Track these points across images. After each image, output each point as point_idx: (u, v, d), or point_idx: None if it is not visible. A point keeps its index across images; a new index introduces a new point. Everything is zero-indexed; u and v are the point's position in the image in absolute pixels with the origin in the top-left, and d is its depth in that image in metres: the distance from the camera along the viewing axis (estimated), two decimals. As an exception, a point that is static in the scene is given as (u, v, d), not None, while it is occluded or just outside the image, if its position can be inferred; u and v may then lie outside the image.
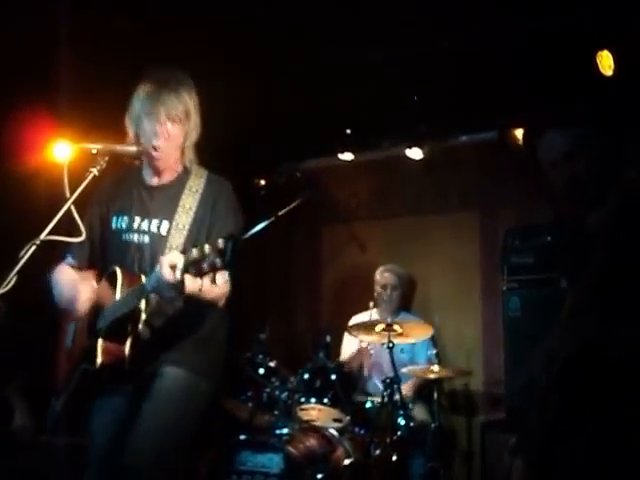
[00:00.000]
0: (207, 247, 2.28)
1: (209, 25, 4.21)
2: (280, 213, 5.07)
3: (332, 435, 4.47)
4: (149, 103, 2.73)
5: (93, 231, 2.88)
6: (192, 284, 2.43)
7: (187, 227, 2.76)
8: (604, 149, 2.38)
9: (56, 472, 3.90)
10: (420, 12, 4.04)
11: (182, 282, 2.41)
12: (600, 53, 3.95)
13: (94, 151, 2.62)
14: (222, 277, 2.53)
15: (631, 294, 2.16)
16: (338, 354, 5.39)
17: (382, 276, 5.41)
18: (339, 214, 6.20)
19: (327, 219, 6.28)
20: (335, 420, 4.54)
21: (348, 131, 5.56)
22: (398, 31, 4.25)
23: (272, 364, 4.59)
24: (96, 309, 2.74)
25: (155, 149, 2.76)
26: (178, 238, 2.74)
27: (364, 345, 5.17)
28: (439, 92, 4.85)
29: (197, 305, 2.67)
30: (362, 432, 4.57)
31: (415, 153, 5.51)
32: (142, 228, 2.81)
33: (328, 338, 4.81)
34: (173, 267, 2.39)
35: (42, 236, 2.38)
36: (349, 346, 5.40)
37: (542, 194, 4.98)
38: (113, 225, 2.86)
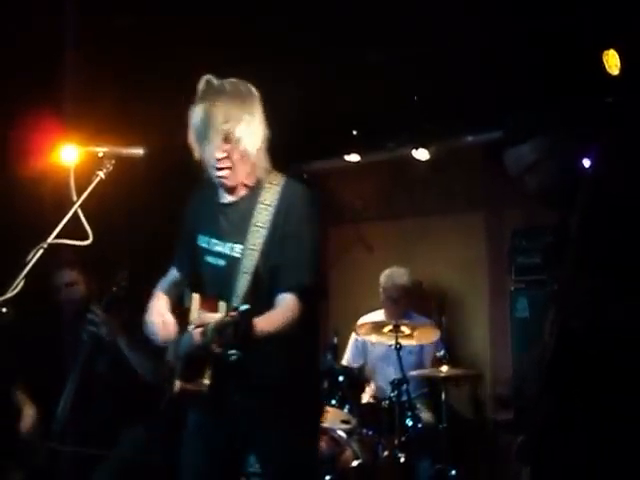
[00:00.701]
0: (228, 317, 2.22)
1: (211, 25, 4.21)
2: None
3: (340, 436, 4.47)
4: (202, 129, 2.54)
5: (189, 244, 2.79)
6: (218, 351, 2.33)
7: (259, 247, 2.58)
8: (567, 154, 2.43)
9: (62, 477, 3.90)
10: (425, 11, 4.03)
11: (209, 347, 2.33)
12: (606, 52, 3.94)
13: (100, 154, 2.62)
14: (286, 300, 2.51)
15: (605, 284, 2.21)
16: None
17: (386, 281, 5.39)
18: (346, 215, 6.20)
19: (334, 220, 6.28)
20: (343, 421, 4.53)
21: (354, 132, 5.56)
22: (403, 31, 4.24)
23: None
24: (178, 334, 2.62)
25: (219, 170, 2.60)
26: (251, 261, 2.57)
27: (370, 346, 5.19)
28: (445, 92, 4.85)
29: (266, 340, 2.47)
30: (370, 433, 4.57)
31: (422, 154, 5.51)
32: (217, 250, 2.69)
33: (335, 339, 4.81)
34: (203, 331, 2.33)
35: (49, 240, 2.38)
36: (355, 348, 5.40)
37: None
38: (199, 242, 2.74)
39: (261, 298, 2.55)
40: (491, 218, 5.63)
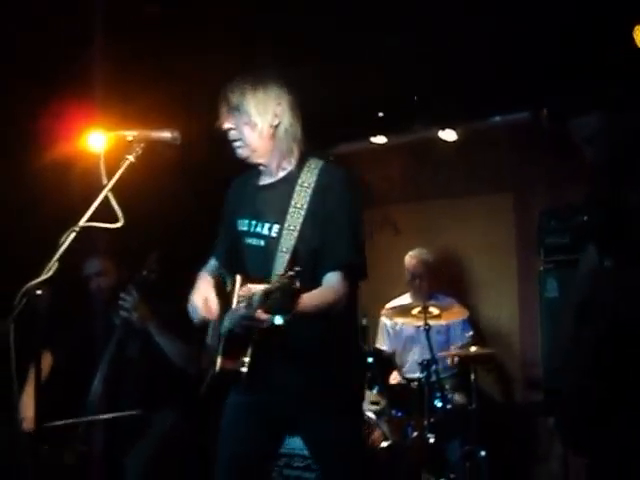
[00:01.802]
0: (276, 282, 2.25)
1: (239, 11, 4.21)
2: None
3: (369, 418, 4.49)
4: (219, 105, 2.74)
5: (228, 232, 2.88)
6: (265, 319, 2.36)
7: (298, 227, 2.64)
8: (625, 130, 2.39)
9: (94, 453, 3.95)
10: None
11: (253, 316, 2.37)
12: (638, 27, 3.88)
13: (130, 138, 2.63)
14: (334, 281, 2.55)
15: None
16: (375, 337, 5.41)
17: (410, 263, 5.39)
18: (372, 197, 6.18)
19: (360, 202, 6.26)
20: (372, 403, 4.56)
21: (380, 114, 5.54)
22: (431, 12, 4.21)
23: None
24: (223, 314, 2.70)
25: (232, 142, 2.74)
26: (289, 240, 2.63)
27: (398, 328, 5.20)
28: (472, 72, 4.81)
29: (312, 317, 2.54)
30: (399, 415, 4.59)
31: (448, 135, 5.48)
32: (257, 231, 2.76)
33: (364, 321, 4.82)
34: (250, 301, 2.37)
35: (81, 223, 2.40)
36: (385, 332, 5.42)
37: (576, 174, 4.94)
38: (238, 228, 2.82)
39: (300, 278, 2.55)
40: (519, 199, 5.59)
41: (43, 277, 2.21)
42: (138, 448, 3.86)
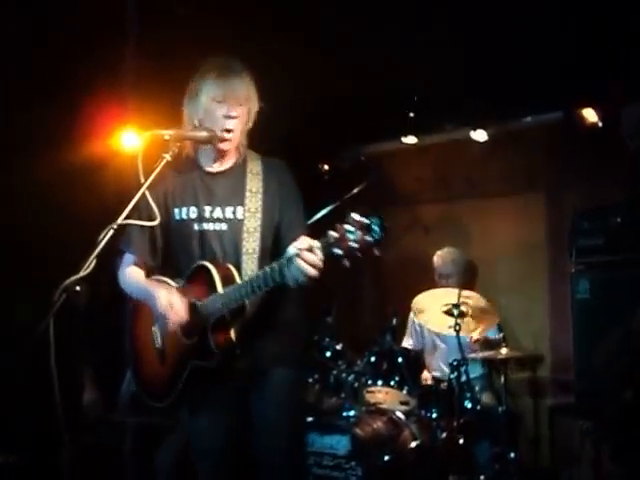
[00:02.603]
0: (347, 225, 2.28)
1: (271, 10, 4.23)
2: (345, 197, 5.09)
3: (399, 418, 4.49)
4: (219, 88, 2.75)
5: (152, 227, 2.82)
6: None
7: (260, 210, 2.81)
8: None
9: (125, 449, 3.99)
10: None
11: (322, 265, 2.41)
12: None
13: (167, 137, 2.66)
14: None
15: None
16: (404, 335, 5.40)
17: (438, 262, 5.38)
18: (403, 197, 6.18)
19: (391, 202, 6.25)
20: (402, 403, 4.55)
21: (411, 114, 5.53)
22: (461, 9, 4.20)
23: (338, 347, 4.63)
24: (191, 306, 2.72)
25: (228, 132, 2.78)
26: (254, 221, 2.80)
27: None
28: (503, 72, 4.79)
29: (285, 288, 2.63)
30: (429, 415, 4.57)
31: (479, 135, 5.46)
32: (216, 216, 2.82)
33: (394, 321, 4.82)
34: (312, 250, 2.40)
35: (119, 220, 2.43)
36: (413, 330, 5.41)
37: (609, 175, 4.90)
38: (177, 217, 2.83)
39: (266, 255, 2.79)
40: (550, 199, 5.55)
41: (82, 274, 2.24)
42: (168, 441, 3.89)
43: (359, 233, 2.26)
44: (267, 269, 2.56)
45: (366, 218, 2.27)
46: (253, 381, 2.82)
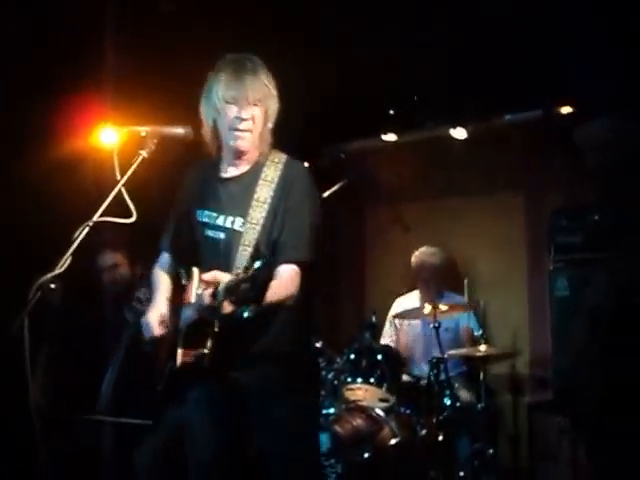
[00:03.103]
0: (242, 273, 2.27)
1: (254, 7, 4.22)
2: (324, 195, 5.08)
3: (378, 415, 4.49)
4: (230, 88, 2.65)
5: (182, 224, 2.88)
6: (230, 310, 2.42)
7: (261, 222, 2.66)
8: (631, 137, 2.40)
9: (104, 449, 3.97)
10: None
11: (219, 308, 2.41)
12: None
13: (143, 133, 2.65)
14: (288, 272, 2.56)
15: None
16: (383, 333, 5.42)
17: (414, 262, 5.40)
18: (383, 195, 6.19)
19: (371, 200, 6.27)
20: (381, 400, 4.55)
21: (391, 112, 5.54)
22: (443, 9, 4.21)
23: (318, 345, 4.62)
24: (180, 307, 2.73)
25: (240, 131, 2.68)
26: (252, 234, 2.65)
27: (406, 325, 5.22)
28: (483, 70, 4.80)
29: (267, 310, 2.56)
30: (408, 412, 4.58)
31: (459, 133, 5.47)
32: (217, 224, 2.75)
33: (374, 318, 4.83)
34: (215, 290, 2.38)
35: (94, 218, 2.42)
36: (392, 327, 5.43)
37: (588, 173, 4.93)
38: (198, 218, 2.80)
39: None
40: (530, 197, 5.57)
41: (57, 271, 2.23)
42: (148, 442, 3.86)
43: (244, 287, 2.27)
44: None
45: (255, 270, 2.24)
46: (253, 400, 2.72)
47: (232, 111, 2.66)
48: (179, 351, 2.62)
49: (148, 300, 3.85)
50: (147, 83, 4.22)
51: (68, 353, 4.08)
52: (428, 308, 4.72)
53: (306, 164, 2.85)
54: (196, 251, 2.79)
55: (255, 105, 2.66)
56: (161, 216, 3.40)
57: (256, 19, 4.25)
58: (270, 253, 2.61)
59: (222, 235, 2.73)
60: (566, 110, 4.74)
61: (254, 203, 2.68)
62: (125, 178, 2.55)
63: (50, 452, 2.39)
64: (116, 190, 2.52)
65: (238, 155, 2.76)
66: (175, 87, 4.25)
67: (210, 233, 2.76)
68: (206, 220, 2.78)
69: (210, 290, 2.42)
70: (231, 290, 2.31)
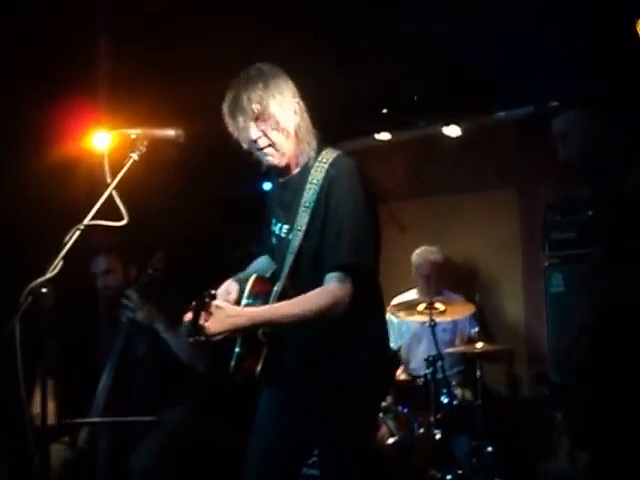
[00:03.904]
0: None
1: (243, 8, 4.21)
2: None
3: (375, 414, 4.48)
4: (233, 118, 2.60)
5: (266, 229, 2.86)
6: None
7: (304, 227, 2.57)
8: (595, 127, 2.45)
9: (99, 452, 3.95)
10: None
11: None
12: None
13: (133, 136, 2.64)
14: (331, 283, 2.47)
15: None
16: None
17: (417, 262, 5.40)
18: (377, 194, 6.16)
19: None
20: (378, 399, 4.55)
21: (384, 111, 5.53)
22: (434, 7, 4.20)
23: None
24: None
25: (262, 149, 2.62)
26: (296, 241, 2.58)
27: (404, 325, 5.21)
28: (476, 68, 4.80)
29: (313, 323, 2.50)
30: (405, 411, 4.59)
31: (452, 131, 5.48)
32: (274, 230, 2.75)
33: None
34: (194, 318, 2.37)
35: (86, 221, 2.41)
36: (390, 328, 5.42)
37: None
38: (270, 227, 2.82)
39: (304, 279, 2.54)
40: (524, 194, 5.58)
41: (48, 275, 2.22)
42: (144, 444, 3.86)
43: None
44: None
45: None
46: (317, 422, 2.63)
47: (245, 135, 2.60)
48: (234, 355, 2.56)
49: (136, 300, 3.86)
50: (138, 86, 4.20)
51: (62, 358, 4.06)
52: (423, 306, 4.72)
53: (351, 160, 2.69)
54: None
55: (260, 122, 2.57)
56: (153, 218, 3.40)
57: (248, 19, 4.24)
58: (312, 261, 2.55)
59: (277, 242, 2.73)
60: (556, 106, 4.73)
61: (301, 208, 2.58)
62: (116, 181, 2.54)
63: (45, 457, 2.37)
64: (107, 193, 2.51)
65: (280, 166, 2.68)
66: (167, 89, 4.26)
67: (272, 239, 2.78)
68: (272, 227, 2.78)
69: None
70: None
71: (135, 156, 2.62)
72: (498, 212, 5.64)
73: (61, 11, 4.03)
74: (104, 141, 3.74)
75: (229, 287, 2.70)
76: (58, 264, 2.25)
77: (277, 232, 2.72)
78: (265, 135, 2.58)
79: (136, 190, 3.02)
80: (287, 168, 2.69)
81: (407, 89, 5.11)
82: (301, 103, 2.67)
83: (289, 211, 2.65)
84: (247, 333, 2.51)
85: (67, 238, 2.34)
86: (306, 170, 2.63)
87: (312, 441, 2.69)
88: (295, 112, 2.62)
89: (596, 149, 2.45)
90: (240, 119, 2.56)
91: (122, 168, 2.60)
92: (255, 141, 2.59)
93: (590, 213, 4.43)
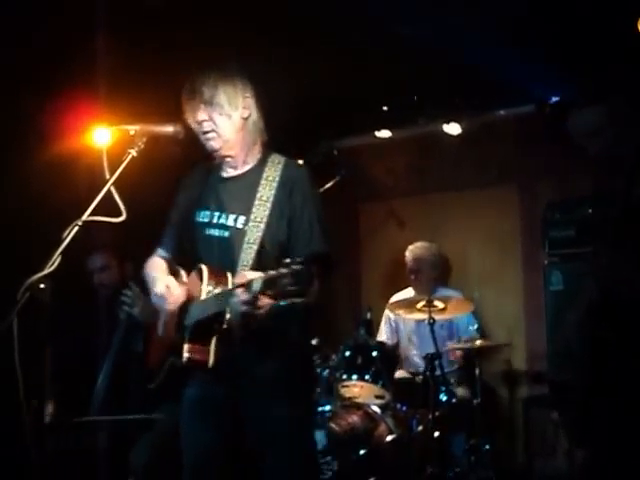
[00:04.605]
0: (283, 269, 2.28)
1: (241, 6, 4.20)
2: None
3: (374, 412, 4.49)
4: (185, 96, 2.75)
5: (181, 223, 2.92)
6: (267, 303, 2.45)
7: (265, 220, 2.71)
8: (630, 122, 2.40)
9: (98, 448, 3.96)
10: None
11: (255, 302, 2.43)
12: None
13: (132, 132, 2.64)
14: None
15: None
16: (378, 330, 5.41)
17: (408, 258, 5.40)
18: (377, 191, 6.18)
19: (365, 196, 6.27)
20: (377, 397, 4.55)
21: (385, 108, 5.53)
22: (435, 4, 4.20)
23: (313, 342, 4.61)
24: (184, 304, 2.75)
25: (204, 134, 2.76)
26: (256, 232, 2.70)
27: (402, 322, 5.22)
28: (476, 65, 4.79)
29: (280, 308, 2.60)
30: (404, 408, 4.59)
31: (453, 128, 5.47)
32: (221, 222, 2.79)
33: (369, 315, 4.83)
34: (247, 287, 2.40)
35: (84, 217, 2.41)
36: (388, 325, 5.42)
37: (581, 166, 4.93)
38: (197, 219, 2.85)
39: (265, 269, 2.58)
40: (524, 191, 5.58)
41: (46, 271, 2.22)
42: (143, 440, 3.86)
43: (285, 281, 2.28)
44: (219, 294, 2.60)
45: (297, 265, 2.27)
46: (249, 407, 2.73)
47: (193, 117, 2.75)
48: (185, 347, 2.62)
49: (136, 293, 3.86)
50: (138, 82, 4.20)
51: (60, 355, 4.06)
52: (421, 303, 4.72)
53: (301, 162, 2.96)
54: (196, 250, 2.83)
55: (206, 105, 2.72)
56: (151, 215, 3.40)
57: (247, 15, 4.24)
58: (277, 252, 2.67)
59: (226, 234, 2.78)
60: (558, 103, 4.74)
61: (257, 202, 2.73)
62: (114, 177, 2.54)
63: (43, 453, 2.37)
64: (105, 189, 2.51)
65: (222, 155, 2.82)
66: (166, 85, 4.25)
67: (213, 232, 2.80)
68: (206, 220, 2.82)
69: (242, 287, 2.44)
70: (269, 284, 2.33)
71: (134, 152, 2.62)
72: (498, 210, 5.64)
73: (61, 8, 4.03)
74: (103, 137, 3.74)
75: (167, 280, 2.77)
76: (56, 259, 2.25)
77: (225, 222, 2.78)
78: (211, 119, 2.72)
79: (134, 186, 3.03)
80: (233, 162, 2.84)
81: (408, 87, 5.11)
82: (252, 101, 2.83)
83: (242, 204, 2.76)
84: (200, 324, 2.62)
85: (66, 233, 2.34)
86: (258, 168, 2.82)
87: (250, 438, 2.76)
88: (244, 107, 2.78)
89: (631, 139, 2.41)
90: (192, 102, 2.72)
91: (121, 164, 2.60)
92: (200, 123, 2.73)
93: (590, 211, 4.43)
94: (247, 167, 2.85)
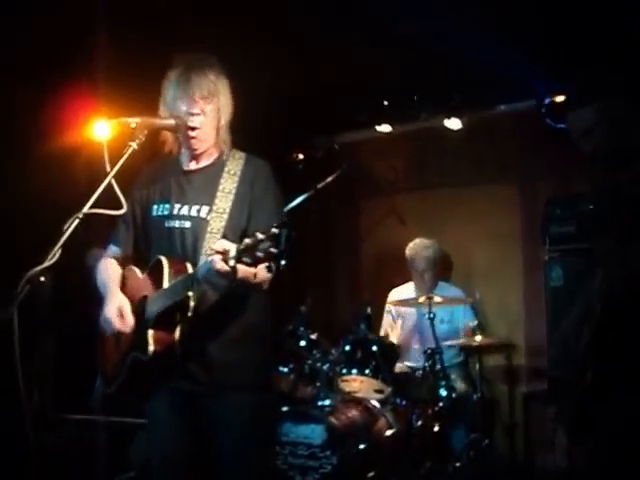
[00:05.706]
0: (260, 234, 2.29)
1: (244, 1, 4.20)
2: (319, 186, 5.08)
3: (374, 406, 4.49)
4: (181, 85, 2.76)
5: (135, 219, 2.94)
6: (244, 272, 2.46)
7: (227, 211, 2.78)
8: (623, 120, 2.41)
9: (97, 445, 3.96)
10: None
11: (234, 271, 2.42)
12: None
13: (133, 125, 2.64)
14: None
15: None
16: (379, 326, 5.41)
17: (410, 254, 5.39)
18: (377, 186, 6.18)
19: (365, 191, 6.26)
20: (377, 391, 4.56)
21: (386, 103, 5.52)
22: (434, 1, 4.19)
23: (313, 336, 4.62)
24: (143, 298, 2.76)
25: (192, 129, 2.78)
26: (219, 222, 2.76)
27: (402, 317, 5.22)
28: (477, 61, 4.78)
29: (242, 290, 2.69)
30: (404, 403, 4.59)
31: (453, 123, 5.46)
32: (182, 213, 2.83)
33: (369, 309, 4.82)
34: (225, 255, 2.40)
35: (85, 210, 2.40)
36: (389, 319, 5.43)
37: (582, 163, 4.92)
38: (154, 213, 2.88)
39: None
40: (524, 187, 5.57)
41: (46, 264, 2.21)
42: (143, 435, 3.86)
43: (267, 244, 2.28)
44: (182, 279, 2.62)
45: (276, 229, 2.28)
46: (210, 395, 2.75)
47: (184, 107, 2.76)
48: (150, 339, 2.64)
49: None
50: (138, 75, 4.18)
51: (60, 349, 4.06)
52: (422, 298, 4.72)
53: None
54: (154, 245, 2.87)
55: (204, 100, 2.76)
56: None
57: (243, 12, 4.23)
58: (239, 240, 2.64)
59: (188, 224, 2.81)
60: (559, 99, 4.73)
61: (219, 193, 2.80)
62: (115, 170, 2.53)
63: (42, 449, 2.37)
64: (106, 182, 2.50)
65: (196, 150, 2.86)
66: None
67: (174, 223, 2.83)
68: (167, 212, 2.85)
69: (220, 255, 2.44)
70: (246, 250, 2.33)
71: (135, 145, 2.62)
72: (499, 205, 5.63)
73: (61, 2, 4.02)
74: (104, 130, 3.73)
75: (121, 304, 2.78)
76: (57, 253, 2.25)
77: (186, 213, 2.81)
78: (203, 113, 2.77)
79: (135, 179, 3.03)
80: (199, 156, 2.89)
81: (409, 81, 5.10)
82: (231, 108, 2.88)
83: (204, 195, 2.82)
84: (163, 313, 2.64)
85: (66, 226, 2.34)
86: (220, 161, 2.89)
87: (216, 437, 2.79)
88: (230, 114, 2.86)
89: (625, 140, 2.42)
90: (191, 91, 2.74)
91: (122, 157, 2.60)
92: (192, 114, 2.75)
93: (591, 207, 4.41)
94: (209, 160, 2.91)
